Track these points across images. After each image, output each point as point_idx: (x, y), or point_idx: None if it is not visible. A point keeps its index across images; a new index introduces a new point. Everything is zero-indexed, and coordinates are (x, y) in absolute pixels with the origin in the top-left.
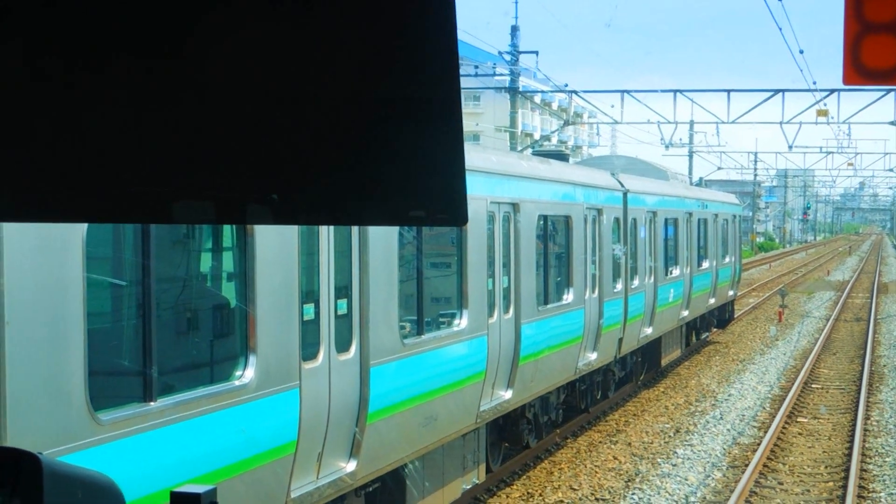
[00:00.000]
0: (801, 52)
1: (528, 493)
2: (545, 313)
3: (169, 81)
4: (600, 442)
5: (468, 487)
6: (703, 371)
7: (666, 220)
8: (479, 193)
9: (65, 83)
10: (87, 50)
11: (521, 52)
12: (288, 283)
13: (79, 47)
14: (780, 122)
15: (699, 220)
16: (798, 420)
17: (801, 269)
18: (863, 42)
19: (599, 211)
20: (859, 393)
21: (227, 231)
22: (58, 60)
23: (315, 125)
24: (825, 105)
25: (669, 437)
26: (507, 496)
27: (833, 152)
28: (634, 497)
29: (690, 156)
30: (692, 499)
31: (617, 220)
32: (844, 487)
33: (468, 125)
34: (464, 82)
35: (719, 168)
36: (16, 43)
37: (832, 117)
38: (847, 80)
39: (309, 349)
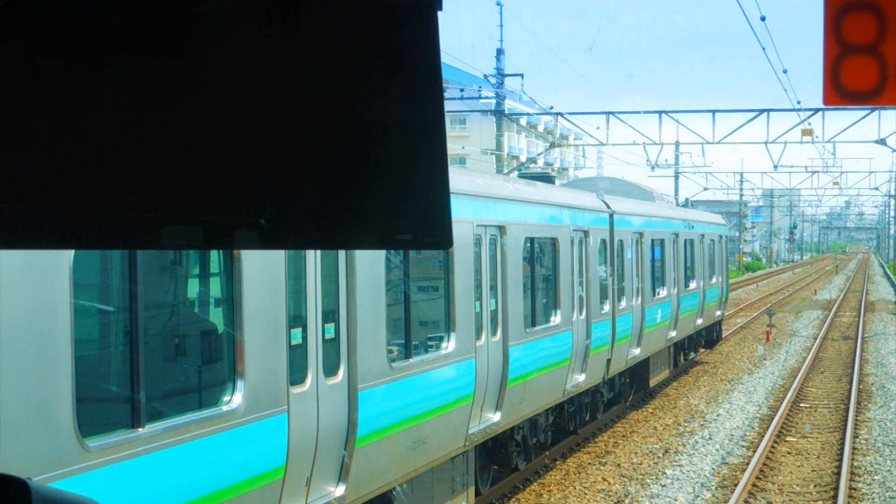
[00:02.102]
0: (785, 71)
1: None
2: (533, 335)
3: (156, 108)
4: (589, 463)
5: None
6: (692, 391)
7: (652, 240)
8: (466, 216)
9: (55, 110)
10: (81, 78)
11: (506, 75)
12: (275, 308)
13: (72, 76)
14: (766, 142)
15: (686, 240)
16: (787, 439)
17: (788, 289)
18: (842, 63)
19: (586, 233)
20: (847, 411)
21: (215, 256)
22: (46, 79)
23: (301, 150)
24: (810, 124)
25: (658, 457)
26: None
27: (818, 171)
28: None
29: (676, 176)
30: None
31: (603, 241)
32: None
33: (454, 148)
34: (449, 105)
35: (705, 188)
36: (11, 46)
37: (817, 136)
38: (827, 100)
39: (296, 374)
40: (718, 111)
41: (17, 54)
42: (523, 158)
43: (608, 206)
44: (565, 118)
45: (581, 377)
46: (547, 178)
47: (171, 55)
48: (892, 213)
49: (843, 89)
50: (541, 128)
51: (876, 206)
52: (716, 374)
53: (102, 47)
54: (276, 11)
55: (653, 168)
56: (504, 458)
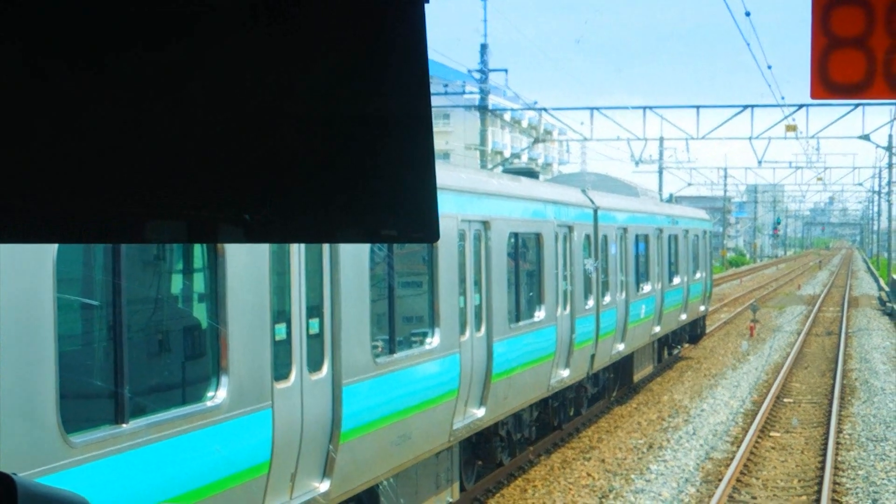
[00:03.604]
0: (770, 67)
1: None
2: (517, 331)
3: (139, 103)
4: (574, 459)
5: None
6: (676, 386)
7: (637, 236)
8: (450, 211)
9: (37, 103)
10: (63, 69)
11: (490, 71)
12: (259, 303)
13: (54, 67)
14: (750, 138)
15: (670, 236)
16: (771, 434)
17: (772, 284)
18: (830, 56)
19: (570, 228)
20: (831, 406)
21: (199, 251)
22: (32, 81)
23: (287, 144)
24: (794, 120)
25: (643, 452)
26: None
27: (802, 167)
28: None
29: (660, 172)
30: None
31: (588, 236)
32: (818, 501)
33: (438, 143)
34: (434, 100)
35: (689, 184)
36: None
37: (801, 132)
38: (814, 94)
39: (281, 369)
40: (703, 107)
41: (15, 53)
42: (507, 154)
43: (592, 202)
44: (549, 114)
45: (565, 372)
46: (531, 174)
47: (153, 51)
48: (875, 209)
49: (830, 83)
50: (525, 123)
51: (860, 202)
52: (700, 369)
53: (86, 43)
54: (261, 7)
55: (637, 163)
56: (489, 453)
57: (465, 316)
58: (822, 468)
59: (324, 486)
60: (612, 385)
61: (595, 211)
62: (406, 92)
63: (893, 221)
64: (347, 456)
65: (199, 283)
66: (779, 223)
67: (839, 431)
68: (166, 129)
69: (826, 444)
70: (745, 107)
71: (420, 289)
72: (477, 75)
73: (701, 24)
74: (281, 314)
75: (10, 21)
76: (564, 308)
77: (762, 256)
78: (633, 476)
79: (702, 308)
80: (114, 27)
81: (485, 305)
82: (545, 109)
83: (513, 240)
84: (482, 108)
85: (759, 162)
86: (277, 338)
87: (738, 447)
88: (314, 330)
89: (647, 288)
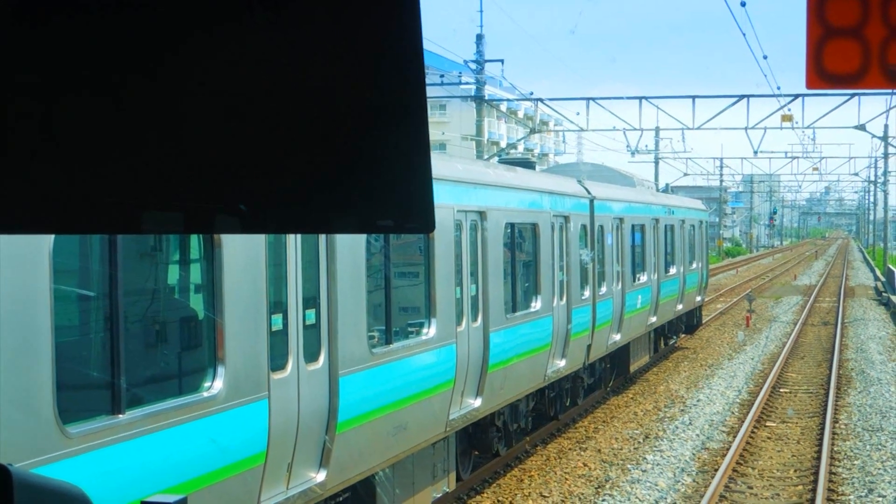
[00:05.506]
0: (765, 57)
1: (498, 501)
2: (513, 321)
3: (139, 93)
4: (570, 449)
5: (438, 496)
6: (672, 377)
7: (633, 226)
8: (446, 202)
9: (36, 94)
10: (62, 62)
11: (486, 61)
12: (256, 294)
13: (53, 59)
14: (746, 128)
15: (666, 226)
16: (767, 424)
17: (768, 274)
18: (825, 46)
19: (566, 218)
20: (827, 396)
21: (195, 242)
22: (31, 72)
23: (282, 135)
24: (790, 110)
25: (639, 443)
26: None
27: (798, 157)
28: (605, 503)
29: (656, 162)
30: None
31: (584, 227)
32: (814, 491)
33: (435, 134)
34: (430, 91)
35: (685, 174)
36: None
37: (797, 122)
38: (810, 84)
39: (277, 360)
40: (698, 97)
41: (14, 45)
42: (503, 144)
43: (588, 192)
44: (545, 104)
45: (562, 363)
46: (527, 164)
47: (150, 42)
48: (871, 199)
49: (825, 72)
50: (521, 114)
51: (856, 192)
52: (696, 359)
53: (85, 37)
54: None
55: (633, 154)
56: (485, 443)
57: (461, 306)
58: (819, 458)
59: (320, 476)
60: (609, 375)
61: (591, 201)
62: (401, 82)
63: (889, 211)
64: (344, 446)
65: (195, 273)
66: (775, 213)
67: (835, 421)
68: (163, 121)
69: (822, 433)
70: (741, 97)
71: (416, 279)
72: (473, 66)
73: (696, 13)
74: (277, 305)
75: (8, 11)
76: (561, 298)
77: (758, 246)
78: (629, 466)
79: (698, 298)
80: (111, 21)
81: (481, 296)
82: (541, 100)
83: (509, 230)
84: (478, 99)
85: (755, 152)
86: (274, 328)
87: (735, 437)
88: (311, 320)
89: (643, 278)
